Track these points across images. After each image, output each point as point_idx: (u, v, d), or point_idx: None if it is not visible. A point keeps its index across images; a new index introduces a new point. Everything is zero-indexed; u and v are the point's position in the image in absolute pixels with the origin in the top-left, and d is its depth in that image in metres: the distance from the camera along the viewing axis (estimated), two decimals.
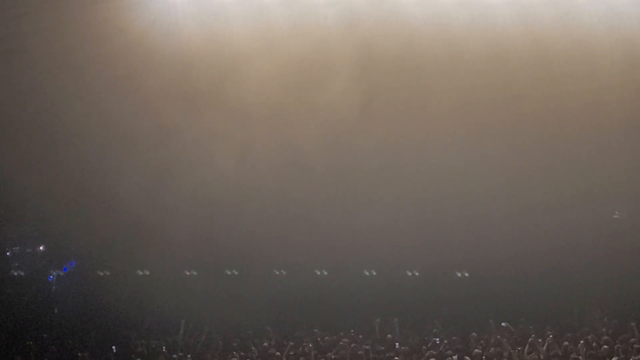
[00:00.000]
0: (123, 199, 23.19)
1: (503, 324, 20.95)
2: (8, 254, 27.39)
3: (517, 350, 17.91)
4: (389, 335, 21.12)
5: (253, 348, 19.68)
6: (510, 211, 24.26)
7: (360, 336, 21.20)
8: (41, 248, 27.54)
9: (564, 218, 24.49)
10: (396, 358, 18.13)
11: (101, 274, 26.95)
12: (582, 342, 18.24)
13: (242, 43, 21.88)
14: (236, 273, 27.27)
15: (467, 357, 17.84)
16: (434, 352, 18.24)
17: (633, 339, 18.64)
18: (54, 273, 27.23)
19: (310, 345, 19.70)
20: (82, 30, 21.07)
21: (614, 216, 26.21)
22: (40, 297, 26.60)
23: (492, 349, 18.25)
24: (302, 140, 23.19)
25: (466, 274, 26.75)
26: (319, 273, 27.21)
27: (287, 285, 26.43)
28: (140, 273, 26.95)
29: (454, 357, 18.16)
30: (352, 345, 19.26)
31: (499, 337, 19.26)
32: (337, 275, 26.72)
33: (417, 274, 26.98)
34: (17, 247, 27.41)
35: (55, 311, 26.64)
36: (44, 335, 22.61)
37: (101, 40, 21.23)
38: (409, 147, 23.45)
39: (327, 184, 24.12)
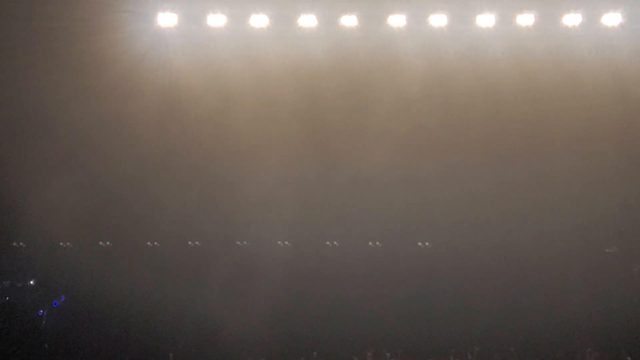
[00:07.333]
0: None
1: None
2: None
3: None
4: None
5: None
6: (500, 245, 24.08)
7: None
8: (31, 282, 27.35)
9: (555, 252, 24.32)
10: None
11: None
12: None
13: (232, 75, 21.93)
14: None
15: None
16: None
17: None
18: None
19: None
20: (72, 63, 21.19)
21: (606, 250, 26.00)
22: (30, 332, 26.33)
23: None
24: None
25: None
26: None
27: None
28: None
29: None
30: None
31: None
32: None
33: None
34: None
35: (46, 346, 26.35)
36: None
37: (92, 73, 21.32)
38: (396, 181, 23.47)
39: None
